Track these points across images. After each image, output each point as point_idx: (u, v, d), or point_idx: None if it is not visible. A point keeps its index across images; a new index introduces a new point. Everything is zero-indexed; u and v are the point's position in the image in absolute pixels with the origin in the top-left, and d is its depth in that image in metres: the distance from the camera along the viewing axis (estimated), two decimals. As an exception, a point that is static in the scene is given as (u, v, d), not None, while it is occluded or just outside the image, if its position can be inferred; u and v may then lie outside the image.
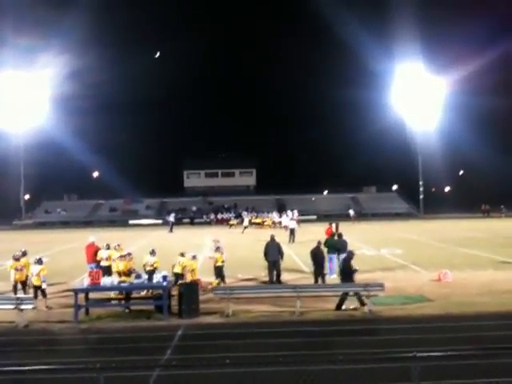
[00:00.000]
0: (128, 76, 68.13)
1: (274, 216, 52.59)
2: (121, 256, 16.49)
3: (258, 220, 53.87)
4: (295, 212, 48.43)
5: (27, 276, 16.06)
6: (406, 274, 20.25)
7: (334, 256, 19.25)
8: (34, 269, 15.41)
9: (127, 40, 71.54)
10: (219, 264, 17.58)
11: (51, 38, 58.37)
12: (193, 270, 16.02)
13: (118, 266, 16.19)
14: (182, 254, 17.27)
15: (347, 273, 14.84)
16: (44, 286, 15.22)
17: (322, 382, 7.82)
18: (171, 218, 49.86)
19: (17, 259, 16.03)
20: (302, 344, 11.35)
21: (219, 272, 17.60)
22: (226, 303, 14.09)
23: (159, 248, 18.74)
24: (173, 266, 17.13)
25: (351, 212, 45.99)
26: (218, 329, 12.91)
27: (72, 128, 63.71)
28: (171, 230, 47.06)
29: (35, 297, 14.99)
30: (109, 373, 6.45)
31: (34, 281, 15.30)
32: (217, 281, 17.52)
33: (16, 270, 15.84)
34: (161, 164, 77.86)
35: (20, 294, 15.18)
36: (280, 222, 47.43)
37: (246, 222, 47.52)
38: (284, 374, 7.85)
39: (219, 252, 17.77)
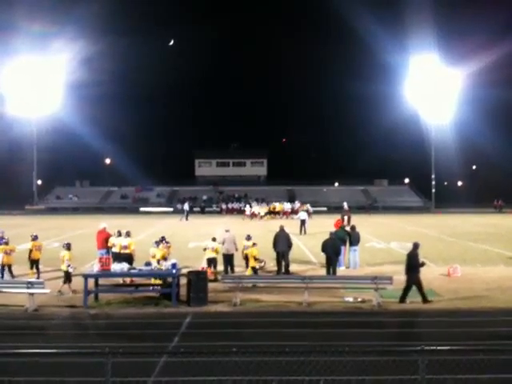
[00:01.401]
0: (141, 64, 68.36)
1: (287, 205, 53.31)
2: (156, 242, 16.98)
3: (279, 207, 53.53)
4: (308, 205, 49.40)
5: (35, 260, 16.45)
6: (416, 267, 20.15)
7: (343, 248, 19.23)
8: (61, 254, 15.63)
9: (142, 27, 71.77)
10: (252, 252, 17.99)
11: (66, 24, 58.57)
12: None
13: (157, 253, 16.44)
14: (214, 239, 18.11)
15: (415, 265, 14.37)
16: (70, 269, 15.32)
17: (327, 373, 7.84)
18: (186, 206, 50.62)
19: (6, 243, 16.59)
20: (309, 334, 11.38)
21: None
22: (234, 292, 14.15)
23: (171, 236, 18.82)
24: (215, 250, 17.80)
25: (345, 205, 46.66)
26: (226, 317, 12.97)
27: (85, 115, 64.01)
28: (187, 218, 47.49)
29: (69, 281, 15.21)
30: (117, 358, 6.51)
31: (61, 265, 15.51)
32: (249, 269, 17.91)
33: (5, 253, 16.37)
34: (172, 152, 78.09)
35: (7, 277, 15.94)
36: (295, 212, 48.44)
37: (261, 211, 48.57)
38: (290, 364, 7.88)
39: (251, 241, 18.12)
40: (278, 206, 53.53)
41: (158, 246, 16.78)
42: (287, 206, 53.39)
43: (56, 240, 28.34)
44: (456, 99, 64.74)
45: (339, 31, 74.47)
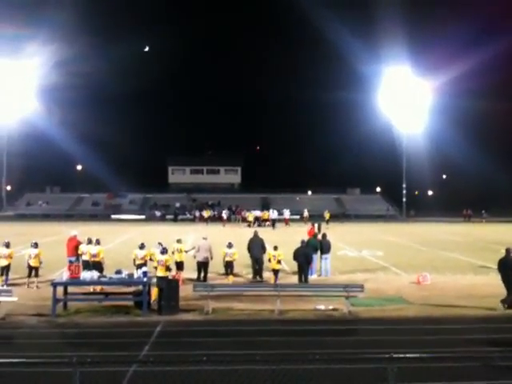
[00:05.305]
0: (115, 69, 67.60)
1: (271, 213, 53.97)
2: (140, 247, 17.52)
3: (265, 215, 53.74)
4: (285, 211, 50.51)
5: None
6: (386, 275, 20.38)
7: (315, 256, 19.32)
8: (32, 251, 17.12)
9: (115, 32, 70.94)
10: (232, 259, 18.19)
11: (38, 27, 57.60)
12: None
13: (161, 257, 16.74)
14: (179, 241, 18.52)
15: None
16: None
17: (298, 381, 7.84)
18: (274, 214, 52.60)
19: None
20: (281, 343, 11.35)
21: (231, 267, 18.23)
22: (206, 300, 14.05)
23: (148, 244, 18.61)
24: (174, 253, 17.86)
25: (305, 212, 47.29)
26: (197, 326, 12.87)
27: (57, 120, 63.07)
28: (273, 227, 47.25)
29: (29, 276, 16.90)
30: (85, 368, 6.38)
31: (32, 262, 16.91)
32: (231, 276, 18.18)
33: None
34: (146, 159, 77.39)
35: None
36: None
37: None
38: (261, 372, 7.85)
39: (234, 248, 18.36)
40: (250, 214, 53.74)
41: (142, 249, 17.04)
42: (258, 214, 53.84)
43: (25, 247, 27.77)
44: (427, 109, 65.98)
45: (313, 41, 75.21)
